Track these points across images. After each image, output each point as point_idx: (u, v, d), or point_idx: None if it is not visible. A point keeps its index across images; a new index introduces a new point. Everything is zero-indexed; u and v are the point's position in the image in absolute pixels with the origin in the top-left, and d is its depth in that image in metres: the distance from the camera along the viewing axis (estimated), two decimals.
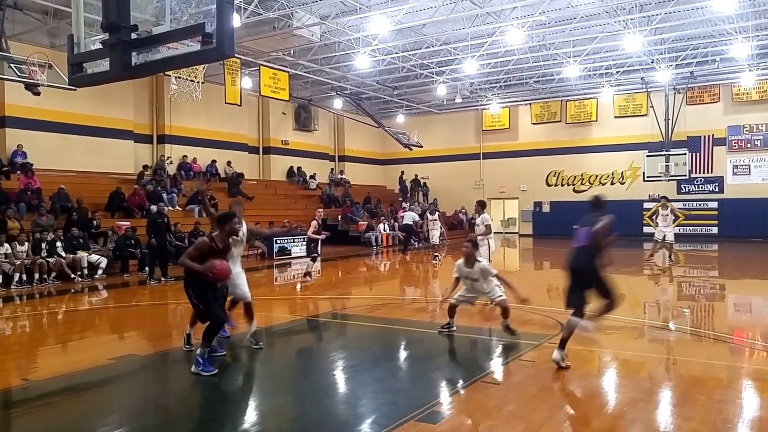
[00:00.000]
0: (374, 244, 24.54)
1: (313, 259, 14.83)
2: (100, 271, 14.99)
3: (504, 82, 27.44)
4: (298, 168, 28.74)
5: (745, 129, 26.33)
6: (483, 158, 32.70)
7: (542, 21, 18.92)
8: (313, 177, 28.92)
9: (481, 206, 11.95)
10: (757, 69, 24.22)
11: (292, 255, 20.23)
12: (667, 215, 16.99)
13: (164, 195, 19.90)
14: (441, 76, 25.24)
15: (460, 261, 8.17)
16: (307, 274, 14.34)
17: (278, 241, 19.98)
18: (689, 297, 12.89)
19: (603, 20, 18.91)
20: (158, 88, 22.58)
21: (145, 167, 21.45)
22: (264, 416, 5.49)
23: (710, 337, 8.40)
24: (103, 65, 4.73)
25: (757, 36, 20.63)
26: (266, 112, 27.86)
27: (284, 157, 28.59)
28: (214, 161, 24.27)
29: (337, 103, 28.51)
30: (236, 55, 19.22)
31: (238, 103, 21.59)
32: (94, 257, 15.17)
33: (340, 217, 26.30)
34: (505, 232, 32.72)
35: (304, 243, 16.50)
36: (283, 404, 5.73)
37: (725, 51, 22.11)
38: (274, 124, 28.20)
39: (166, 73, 16.52)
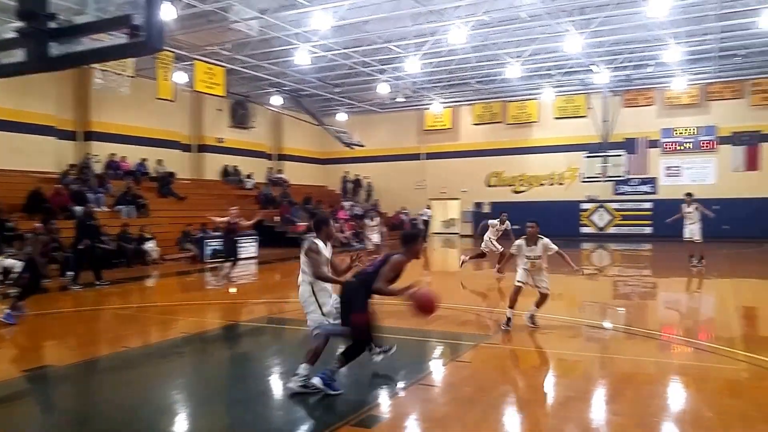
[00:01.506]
0: None
1: (233, 263, 14.36)
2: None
3: (446, 81, 27.38)
4: (234, 167, 27.81)
5: (676, 132, 27.20)
6: (425, 158, 32.63)
7: (485, 21, 18.83)
8: (249, 176, 28.05)
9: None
10: (688, 74, 25.02)
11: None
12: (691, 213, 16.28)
13: (90, 195, 18.80)
14: (383, 75, 24.95)
15: (521, 241, 8.53)
16: (225, 276, 13.93)
17: (211, 244, 19.12)
18: (623, 296, 13.15)
19: (545, 21, 19.00)
20: (83, 82, 21.22)
21: (72, 166, 20.21)
22: (195, 424, 5.31)
23: (641, 335, 8.47)
24: (19, 56, 4.27)
25: (688, 42, 21.22)
26: (201, 109, 26.77)
27: (219, 155, 27.56)
28: (144, 160, 23.15)
29: (276, 100, 27.77)
30: (169, 48, 18.37)
31: (171, 99, 20.61)
32: (9, 261, 14.03)
33: (276, 218, 25.54)
34: (446, 233, 32.76)
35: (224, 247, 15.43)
36: (216, 411, 5.54)
37: (659, 56, 22.67)
38: (209, 121, 27.18)
39: (92, 65, 15.56)
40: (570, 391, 5.94)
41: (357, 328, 5.53)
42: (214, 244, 19.07)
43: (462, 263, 15.41)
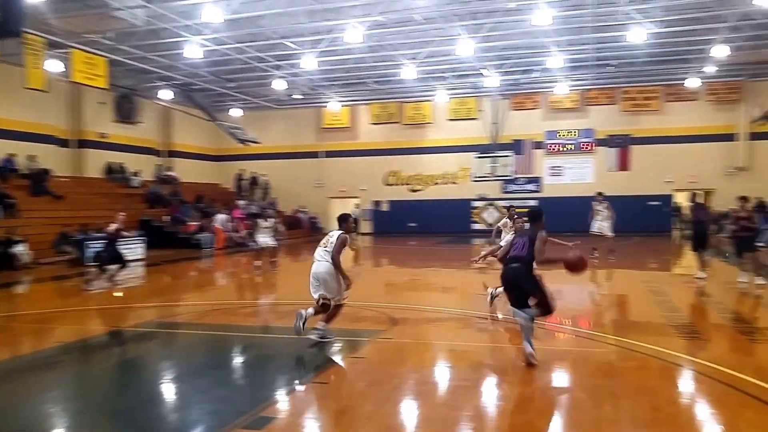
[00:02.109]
0: (205, 246, 23.20)
1: (122, 266, 13.81)
2: None
3: (344, 80, 27.42)
4: (120, 164, 26.27)
5: (559, 134, 28.89)
6: (323, 157, 32.52)
7: (381, 21, 19.02)
8: (136, 174, 26.62)
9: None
10: (569, 80, 26.66)
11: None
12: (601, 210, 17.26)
13: None
14: (279, 71, 24.58)
15: (511, 236, 8.92)
16: (111, 278, 13.43)
17: (93, 246, 17.95)
18: None
19: (438, 25, 19.47)
20: None
21: None
22: None
23: (537, 326, 8.80)
24: None
25: (569, 50, 22.56)
26: (81, 101, 24.98)
27: (102, 151, 25.90)
28: (11, 155, 21.21)
29: (166, 94, 26.55)
30: (38, 33, 16.94)
31: (44, 89, 18.91)
32: None
33: (165, 217, 24.45)
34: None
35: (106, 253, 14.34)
36: (95, 423, 5.18)
37: (544, 62, 23.90)
38: (90, 115, 25.46)
39: None
40: (459, 381, 6.17)
41: (544, 305, 6.46)
42: (96, 245, 17.95)
43: (479, 259, 14.80)
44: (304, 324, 7.16)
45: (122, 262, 13.93)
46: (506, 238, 14.44)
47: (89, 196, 22.92)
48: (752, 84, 26.24)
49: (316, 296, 7.29)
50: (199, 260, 20.45)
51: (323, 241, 7.64)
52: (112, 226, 13.88)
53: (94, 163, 25.50)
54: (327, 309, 7.26)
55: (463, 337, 8.16)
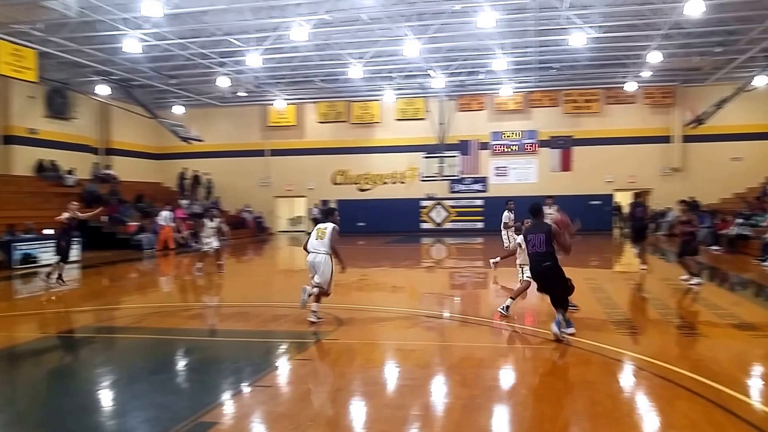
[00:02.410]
0: (146, 247, 22.48)
1: (64, 261, 13.22)
2: None
3: (290, 78, 27.11)
4: (52, 162, 25.11)
5: (504, 135, 29.37)
6: (269, 155, 32.06)
7: (327, 20, 18.87)
8: (71, 172, 25.50)
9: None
10: (513, 83, 27.14)
11: (40, 262, 16.97)
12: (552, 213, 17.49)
13: None
14: (223, 68, 24.05)
15: (521, 237, 9.00)
16: (59, 277, 12.88)
17: (21, 248, 17.11)
18: (458, 286, 13.91)
19: (385, 25, 19.47)
20: None
21: None
22: None
23: (474, 322, 9.02)
24: None
25: (513, 53, 22.97)
26: (7, 95, 23.63)
27: (32, 148, 24.61)
28: None
29: (103, 89, 25.53)
30: None
31: None
32: None
33: (103, 217, 23.47)
34: (293, 231, 32.51)
35: (55, 247, 13.73)
36: None
37: (489, 64, 24.26)
38: (18, 110, 24.16)
39: None
40: (405, 380, 6.16)
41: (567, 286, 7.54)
42: (24, 247, 17.11)
43: (494, 265, 14.51)
44: (305, 301, 8.40)
45: (64, 260, 13.39)
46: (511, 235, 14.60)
47: (17, 195, 21.80)
48: (684, 89, 27.40)
49: (314, 282, 8.46)
50: (139, 261, 19.82)
51: (315, 234, 8.64)
52: (65, 215, 13.31)
53: (23, 160, 24.21)
54: (322, 293, 8.49)
55: (410, 337, 8.15)
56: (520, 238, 9.51)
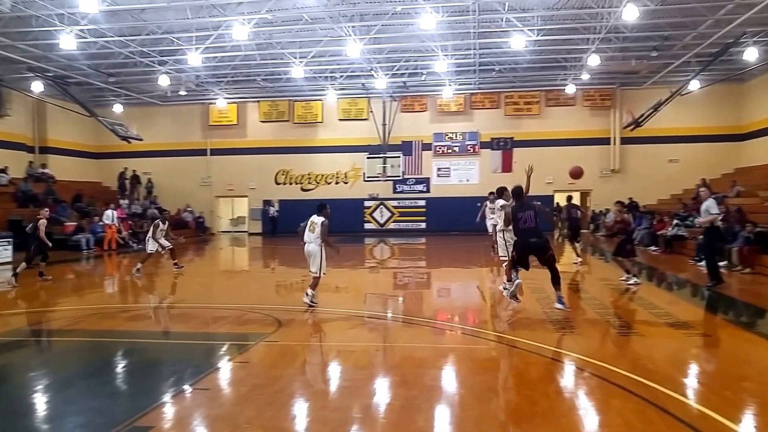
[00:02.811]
0: (85, 247, 21.95)
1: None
2: None
3: (231, 77, 26.86)
4: None
5: (446, 136, 29.83)
6: (210, 154, 31.64)
7: (268, 19, 18.85)
8: (4, 171, 24.56)
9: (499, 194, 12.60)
10: (455, 84, 27.64)
11: None
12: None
13: None
14: (163, 66, 23.64)
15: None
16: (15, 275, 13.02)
17: None
18: (401, 286, 14.00)
19: (327, 25, 19.54)
20: None
21: None
22: None
23: (416, 323, 9.17)
24: None
25: (455, 55, 23.43)
26: None
27: None
28: None
29: (37, 86, 24.66)
30: None
31: None
32: None
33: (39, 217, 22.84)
34: (234, 231, 32.20)
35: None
36: None
37: (431, 66, 24.64)
38: None
39: None
40: (345, 381, 6.24)
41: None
42: None
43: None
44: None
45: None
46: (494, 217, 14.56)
47: None
48: (622, 92, 28.34)
49: (310, 269, 9.94)
50: (78, 262, 19.32)
51: (308, 226, 9.94)
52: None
53: None
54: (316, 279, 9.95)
55: (351, 338, 8.20)
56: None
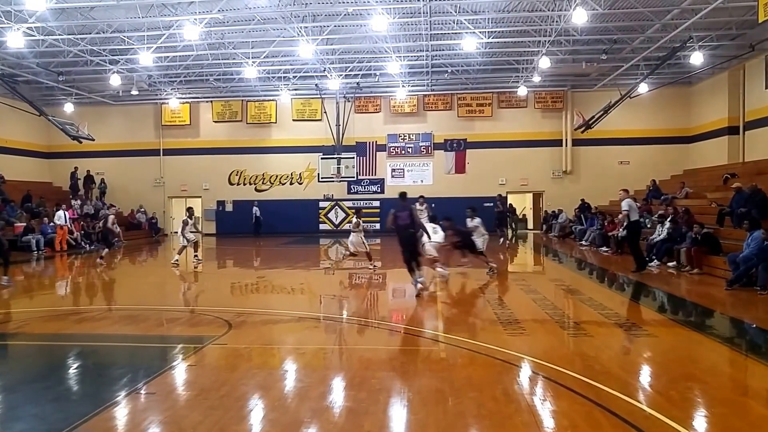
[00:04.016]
0: (35, 248, 21.51)
1: None
2: None
3: (183, 77, 26.61)
4: None
5: (400, 137, 30.11)
6: (163, 155, 31.24)
7: (220, 19, 18.81)
8: None
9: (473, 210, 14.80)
10: (408, 86, 27.93)
11: None
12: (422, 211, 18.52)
13: None
14: (115, 66, 23.30)
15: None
16: None
17: None
18: (354, 287, 13.97)
19: (280, 25, 19.59)
20: None
21: None
22: None
23: (366, 324, 9.32)
24: None
25: (408, 56, 23.75)
26: None
27: None
28: None
29: None
30: None
31: None
32: None
33: None
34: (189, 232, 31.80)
35: None
36: None
37: (384, 67, 24.88)
38: None
39: None
40: (292, 384, 6.22)
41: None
42: None
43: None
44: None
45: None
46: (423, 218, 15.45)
47: None
48: (573, 94, 28.99)
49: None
50: (27, 263, 18.93)
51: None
52: None
53: None
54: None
55: (301, 340, 8.19)
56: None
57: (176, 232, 21.54)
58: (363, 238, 15.32)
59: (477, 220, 14.65)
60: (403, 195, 11.91)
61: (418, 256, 11.34)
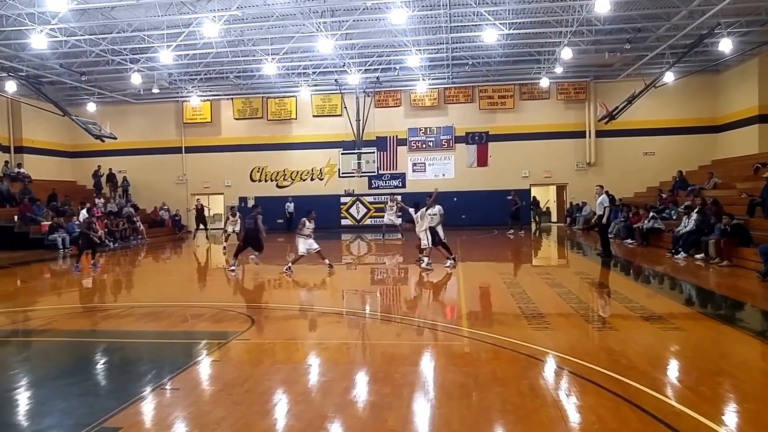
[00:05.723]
0: (61, 247, 21.85)
1: None
2: None
3: (203, 74, 26.77)
4: None
5: (421, 131, 29.98)
6: (185, 152, 31.51)
7: (239, 16, 18.87)
8: None
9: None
10: (428, 79, 27.75)
11: None
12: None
13: None
14: (136, 64, 23.54)
15: None
16: None
17: None
18: (378, 282, 14.02)
19: (298, 21, 19.61)
20: None
21: None
22: None
23: (389, 319, 9.28)
24: None
25: (428, 49, 23.58)
26: None
27: None
28: None
29: (10, 86, 24.40)
30: None
31: None
32: None
33: (17, 217, 22.79)
34: (212, 229, 32.08)
35: None
36: None
37: (403, 60, 24.76)
38: None
39: None
40: (316, 379, 6.20)
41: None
42: None
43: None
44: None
45: None
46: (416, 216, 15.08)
47: None
48: (596, 84, 28.56)
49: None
50: (54, 261, 19.21)
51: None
52: None
53: None
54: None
55: (324, 335, 8.21)
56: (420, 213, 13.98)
57: (225, 230, 20.61)
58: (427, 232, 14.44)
59: (437, 208, 14.75)
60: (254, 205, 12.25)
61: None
